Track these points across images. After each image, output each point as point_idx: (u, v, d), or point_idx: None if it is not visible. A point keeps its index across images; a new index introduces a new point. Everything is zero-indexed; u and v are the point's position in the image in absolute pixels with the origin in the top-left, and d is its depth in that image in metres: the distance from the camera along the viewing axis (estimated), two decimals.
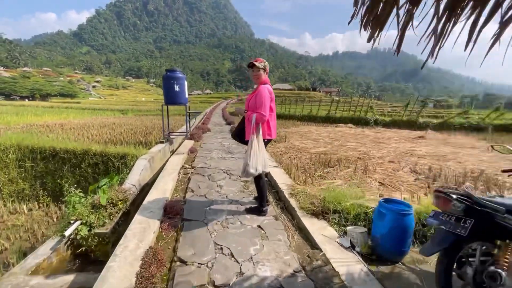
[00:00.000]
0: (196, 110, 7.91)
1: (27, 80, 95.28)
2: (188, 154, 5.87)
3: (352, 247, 2.48)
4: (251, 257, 2.30)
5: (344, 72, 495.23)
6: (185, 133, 7.08)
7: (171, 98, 6.60)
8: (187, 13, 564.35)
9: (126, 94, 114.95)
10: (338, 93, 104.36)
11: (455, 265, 1.77)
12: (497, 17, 0.89)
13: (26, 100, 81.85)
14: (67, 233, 2.81)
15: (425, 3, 1.01)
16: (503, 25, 0.87)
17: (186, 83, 6.83)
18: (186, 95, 6.90)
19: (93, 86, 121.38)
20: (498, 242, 1.68)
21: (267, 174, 4.32)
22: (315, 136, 10.43)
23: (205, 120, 13.07)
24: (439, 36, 0.99)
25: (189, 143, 6.51)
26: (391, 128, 15.70)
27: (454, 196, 1.72)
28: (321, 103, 20.06)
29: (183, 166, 4.84)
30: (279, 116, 21.65)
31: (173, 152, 7.06)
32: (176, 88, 6.54)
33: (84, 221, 2.93)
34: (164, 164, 4.96)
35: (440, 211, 1.86)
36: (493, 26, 0.97)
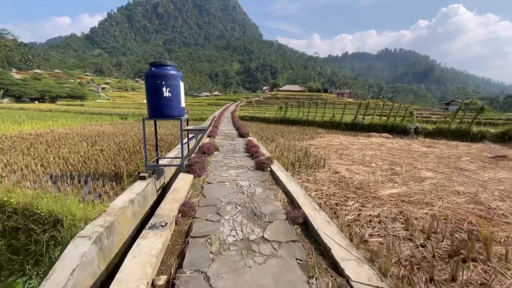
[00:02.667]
0: (198, 127, 5.45)
1: (38, 82, 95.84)
2: (176, 223, 2.86)
3: None
4: None
5: (354, 73, 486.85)
6: (180, 164, 4.62)
7: (158, 108, 4.20)
8: (196, 15, 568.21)
9: (134, 95, 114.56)
10: (351, 94, 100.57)
11: None
12: None
13: (36, 102, 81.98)
14: None
15: None
16: None
17: (182, 85, 4.43)
18: (183, 104, 4.48)
19: (103, 88, 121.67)
20: None
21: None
22: (357, 153, 7.86)
23: (212, 131, 10.64)
24: None
25: (182, 187, 3.79)
26: (437, 138, 12.94)
27: None
28: (346, 107, 17.40)
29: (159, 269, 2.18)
30: (296, 122, 19.06)
31: (162, 190, 4.64)
32: (166, 93, 4.14)
33: None
34: (137, 231, 2.54)
35: None
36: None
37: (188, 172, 4.39)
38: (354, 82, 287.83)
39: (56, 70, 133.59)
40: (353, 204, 3.75)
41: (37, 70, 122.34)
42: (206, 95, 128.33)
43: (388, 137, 13.00)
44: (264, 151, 6.67)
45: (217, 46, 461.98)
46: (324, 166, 6.12)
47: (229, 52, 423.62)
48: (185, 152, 6.41)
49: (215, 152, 6.62)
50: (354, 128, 16.16)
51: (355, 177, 5.16)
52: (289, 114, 21.66)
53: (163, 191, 4.76)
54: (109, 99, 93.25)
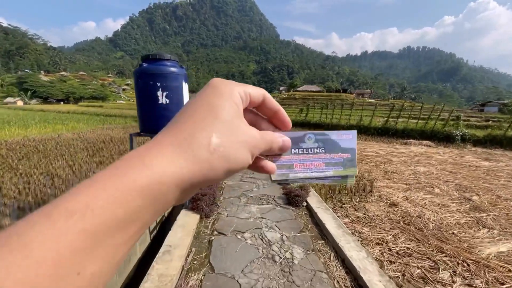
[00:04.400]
0: None
1: (63, 83, 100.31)
2: None
3: None
4: None
5: (374, 72, 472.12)
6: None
7: (151, 120, 2.98)
8: (214, 17, 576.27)
9: None
10: (372, 95, 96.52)
11: None
12: None
13: (61, 102, 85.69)
14: None
15: None
16: None
17: (186, 87, 3.20)
18: None
19: (123, 89, 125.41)
20: None
21: None
22: (405, 170, 6.30)
23: None
24: None
25: (178, 245, 2.46)
26: (490, 147, 10.96)
27: None
28: (376, 109, 15.62)
29: None
30: (319, 126, 17.49)
31: (160, 225, 3.43)
32: (162, 98, 2.92)
33: None
34: None
35: None
36: None
37: (192, 209, 3.14)
38: (374, 82, 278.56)
39: (81, 72, 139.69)
40: (450, 279, 2.32)
41: (63, 73, 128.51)
42: None
43: (430, 146, 11.19)
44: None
45: (234, 47, 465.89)
46: (371, 191, 4.67)
47: (245, 53, 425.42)
48: None
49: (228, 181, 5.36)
50: (385, 133, 14.36)
51: (425, 215, 3.68)
52: (311, 116, 20.11)
53: (162, 227, 3.56)
54: (129, 100, 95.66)
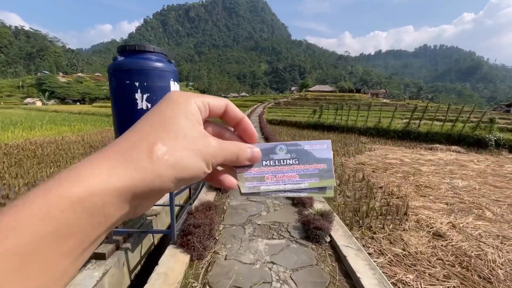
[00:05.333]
0: None
1: (80, 84, 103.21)
2: None
3: None
4: None
5: (388, 72, 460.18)
6: (169, 231, 2.56)
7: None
8: (226, 18, 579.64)
9: None
10: (386, 95, 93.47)
11: None
12: None
13: (78, 103, 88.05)
14: None
15: None
16: None
17: (177, 87, 2.51)
18: None
19: None
20: None
21: None
22: (440, 183, 5.37)
23: None
24: None
25: None
26: None
27: None
28: (396, 110, 14.47)
29: None
30: (333, 128, 16.49)
31: (141, 268, 2.73)
32: (142, 102, 2.23)
33: None
34: None
35: None
36: None
37: (181, 245, 2.41)
38: (388, 82, 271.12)
39: (96, 74, 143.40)
40: None
41: (80, 74, 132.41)
42: (234, 96, 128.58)
43: (459, 152, 10.06)
44: None
45: (245, 47, 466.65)
46: (406, 213, 3.82)
47: (257, 53, 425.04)
48: (184, 195, 4.50)
49: (230, 204, 4.53)
50: (407, 136, 13.23)
51: (487, 254, 2.81)
52: (324, 118, 19.11)
53: (145, 270, 2.87)
54: None
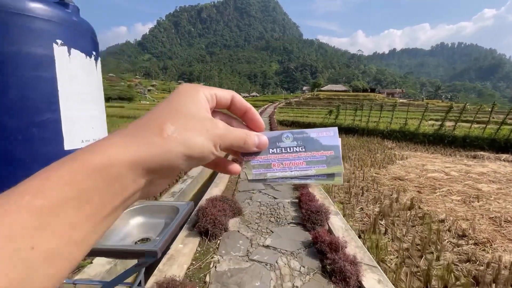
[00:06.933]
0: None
1: None
2: None
3: None
4: None
5: (403, 71, 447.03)
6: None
7: None
8: (237, 18, 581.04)
9: None
10: (402, 94, 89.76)
11: None
12: None
13: None
14: None
15: None
16: None
17: (94, 66, 1.19)
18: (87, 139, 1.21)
19: (149, 90, 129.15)
20: None
21: None
22: None
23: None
24: None
25: None
26: None
27: None
28: (426, 111, 12.77)
29: None
30: (352, 131, 14.95)
31: None
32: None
33: None
34: None
35: None
36: None
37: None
38: (403, 81, 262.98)
39: (110, 74, 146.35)
40: None
41: None
42: (245, 96, 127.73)
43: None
44: (335, 221, 3.21)
45: (256, 47, 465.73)
46: (499, 276, 2.41)
47: (268, 53, 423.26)
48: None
49: (236, 220, 3.24)
50: (440, 141, 11.54)
51: None
52: (341, 119, 17.55)
53: None
54: (153, 101, 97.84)
